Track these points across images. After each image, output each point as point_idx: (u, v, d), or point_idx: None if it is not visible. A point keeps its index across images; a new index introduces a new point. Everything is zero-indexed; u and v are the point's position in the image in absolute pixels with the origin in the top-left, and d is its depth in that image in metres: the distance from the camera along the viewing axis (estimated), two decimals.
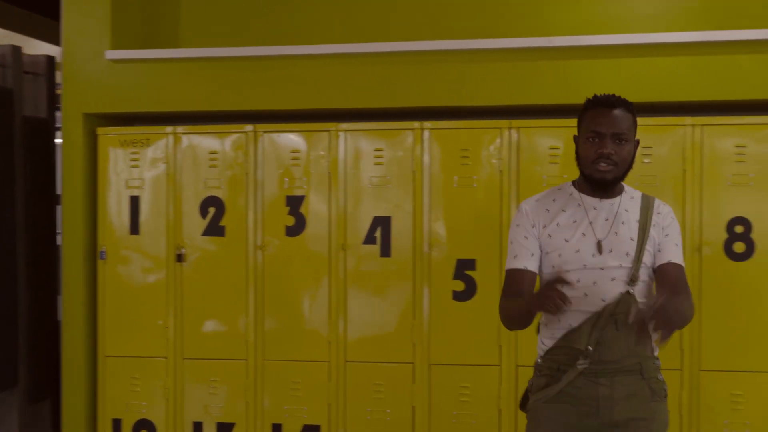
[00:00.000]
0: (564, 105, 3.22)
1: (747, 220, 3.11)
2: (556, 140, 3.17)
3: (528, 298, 2.14)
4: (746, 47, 3.11)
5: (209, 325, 3.39)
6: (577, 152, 2.22)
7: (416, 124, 3.25)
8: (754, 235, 3.10)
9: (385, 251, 3.28)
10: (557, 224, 2.23)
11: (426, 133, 3.25)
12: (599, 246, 2.21)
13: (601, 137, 2.18)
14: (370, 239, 3.29)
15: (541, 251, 2.22)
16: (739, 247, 3.11)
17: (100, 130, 3.48)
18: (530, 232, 2.23)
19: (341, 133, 3.29)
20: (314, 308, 3.32)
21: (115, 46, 3.45)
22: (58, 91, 3.73)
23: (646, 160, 3.14)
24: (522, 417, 3.06)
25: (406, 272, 3.27)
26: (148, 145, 3.45)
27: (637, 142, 2.21)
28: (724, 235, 3.12)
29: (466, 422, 3.24)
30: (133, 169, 3.45)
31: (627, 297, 2.14)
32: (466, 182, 3.23)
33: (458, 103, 3.28)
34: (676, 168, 3.13)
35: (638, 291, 2.18)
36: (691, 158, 3.12)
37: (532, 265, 2.20)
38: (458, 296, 3.25)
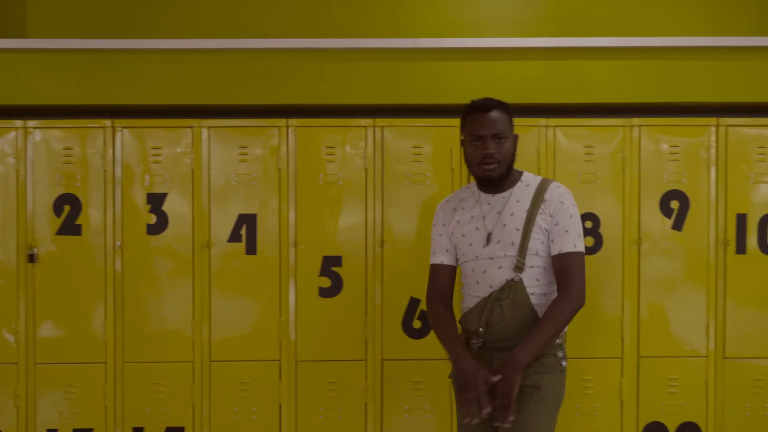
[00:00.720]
0: (428, 105, 3.37)
1: (596, 216, 3.35)
2: (419, 139, 3.31)
3: (452, 347, 2.41)
4: (596, 53, 3.36)
5: (64, 328, 3.30)
6: (465, 155, 2.51)
7: (281, 121, 3.30)
8: (602, 230, 3.35)
9: (251, 249, 3.31)
10: (458, 221, 2.55)
11: (291, 131, 3.30)
12: (488, 238, 2.48)
13: (482, 139, 2.46)
14: (235, 237, 3.31)
15: (453, 245, 2.56)
16: (588, 241, 3.35)
17: None
18: (442, 230, 2.59)
19: (204, 130, 3.29)
20: (177, 308, 3.30)
21: None
22: None
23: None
24: (386, 411, 3.20)
25: (272, 270, 3.31)
26: None
27: (516, 136, 2.51)
28: None
29: (332, 417, 3.33)
30: None
31: (512, 283, 2.44)
32: (332, 179, 3.31)
33: (324, 101, 3.35)
34: (531, 167, 3.34)
35: (529, 276, 2.45)
36: (545, 157, 3.34)
37: (447, 260, 2.57)
38: (325, 293, 3.33)
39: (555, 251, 2.48)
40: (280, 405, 3.34)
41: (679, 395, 3.38)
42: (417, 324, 3.33)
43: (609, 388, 3.37)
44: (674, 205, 3.36)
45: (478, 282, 2.51)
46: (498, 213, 2.52)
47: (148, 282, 3.30)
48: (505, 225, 2.49)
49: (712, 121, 3.36)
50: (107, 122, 3.33)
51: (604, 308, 3.36)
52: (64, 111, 3.43)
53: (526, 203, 2.50)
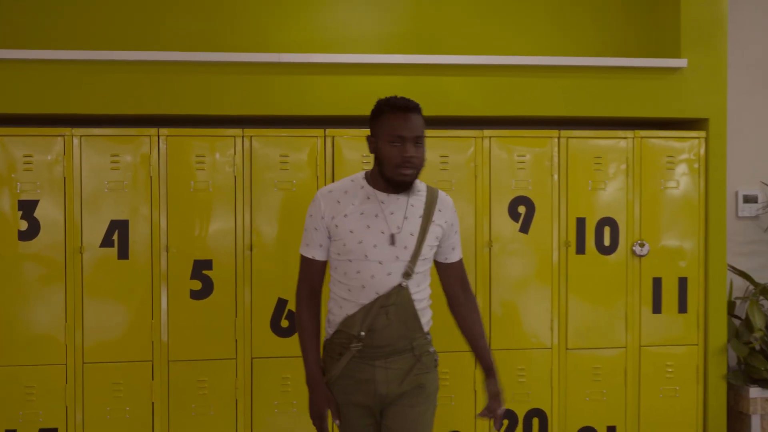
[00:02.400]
0: (294, 116, 3.73)
1: None
2: (286, 148, 3.66)
3: (310, 367, 2.52)
4: (450, 70, 3.79)
5: None
6: (378, 154, 2.47)
7: (152, 130, 3.60)
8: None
9: (123, 254, 3.59)
10: (345, 215, 2.49)
11: (162, 140, 3.60)
12: (391, 239, 2.48)
13: (403, 141, 2.44)
14: (107, 242, 3.58)
15: (330, 239, 2.53)
16: None
17: None
18: (320, 224, 2.52)
19: (76, 138, 3.55)
20: (50, 312, 3.54)
21: None
22: None
23: (365, 165, 3.72)
24: (256, 406, 3.53)
25: (144, 273, 3.60)
26: None
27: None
28: None
29: (204, 414, 3.64)
30: None
31: (399, 289, 2.48)
32: (203, 186, 3.63)
33: (194, 111, 3.66)
34: None
35: (413, 282, 2.51)
36: None
37: (319, 255, 2.55)
38: (195, 295, 3.64)
39: (455, 258, 2.63)
40: (152, 404, 3.62)
41: (527, 384, 3.86)
42: (285, 323, 3.68)
43: (464, 378, 3.81)
44: (521, 209, 3.84)
45: (364, 287, 2.49)
46: (392, 214, 2.51)
47: (20, 287, 3.53)
48: (399, 228, 2.50)
49: (555, 133, 3.86)
50: None
51: (435, 305, 3.77)
52: None
53: (420, 209, 2.53)
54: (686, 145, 3.94)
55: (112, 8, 3.90)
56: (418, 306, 2.54)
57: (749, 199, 4.47)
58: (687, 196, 3.95)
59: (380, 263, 2.49)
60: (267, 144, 3.67)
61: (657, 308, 3.94)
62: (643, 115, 3.91)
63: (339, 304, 2.54)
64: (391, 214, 2.51)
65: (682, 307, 3.95)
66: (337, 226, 2.51)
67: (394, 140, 2.45)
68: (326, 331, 2.61)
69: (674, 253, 3.94)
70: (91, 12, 3.89)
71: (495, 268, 3.82)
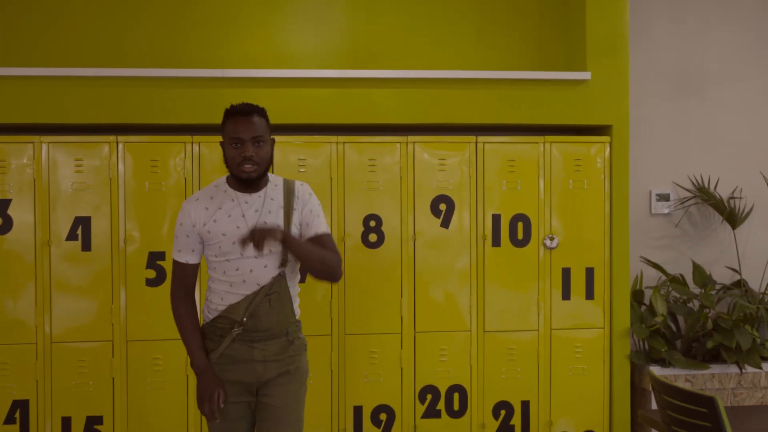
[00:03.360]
0: None
1: (379, 216, 4.37)
2: None
3: (195, 356, 2.81)
4: (379, 83, 4.37)
5: None
6: (224, 156, 2.81)
7: (112, 137, 4.19)
8: (384, 228, 4.37)
9: (86, 246, 4.18)
10: (215, 220, 2.80)
11: (120, 146, 4.19)
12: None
13: (242, 142, 2.76)
14: (72, 236, 4.17)
15: (203, 244, 2.84)
16: (372, 237, 4.36)
17: None
18: (191, 231, 2.83)
19: (44, 145, 4.14)
20: (22, 298, 4.12)
21: None
22: None
23: (302, 170, 4.31)
24: None
25: (106, 263, 4.18)
26: None
27: (273, 140, 2.85)
28: (362, 228, 4.35)
29: (159, 388, 4.21)
30: None
31: (279, 278, 2.81)
32: (156, 187, 4.21)
33: (150, 120, 4.24)
34: (325, 176, 4.32)
35: (288, 270, 2.85)
36: (336, 168, 4.33)
37: (193, 259, 2.87)
38: (151, 282, 4.22)
39: (313, 232, 2.88)
40: (113, 378, 4.21)
41: (448, 363, 4.43)
42: None
43: (391, 358, 4.39)
44: (442, 207, 4.42)
45: (245, 281, 2.81)
46: (256, 211, 2.82)
47: None
48: (266, 222, 2.80)
49: (472, 138, 4.43)
50: None
51: (387, 293, 4.37)
52: None
53: (280, 200, 2.84)
54: (593, 149, 4.51)
55: (77, 28, 4.50)
56: (292, 292, 2.88)
57: (662, 198, 5.03)
58: (593, 194, 4.51)
59: (256, 257, 2.81)
60: (213, 149, 4.25)
61: (566, 295, 4.51)
62: (552, 122, 4.47)
63: (220, 296, 2.84)
64: (255, 211, 2.83)
65: (589, 295, 4.52)
66: (209, 231, 2.82)
67: (234, 142, 2.78)
68: (205, 316, 2.91)
69: (582, 246, 4.51)
70: (57, 32, 4.49)
71: (419, 259, 4.40)
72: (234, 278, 2.82)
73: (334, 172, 4.34)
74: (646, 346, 4.68)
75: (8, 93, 4.13)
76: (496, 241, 4.46)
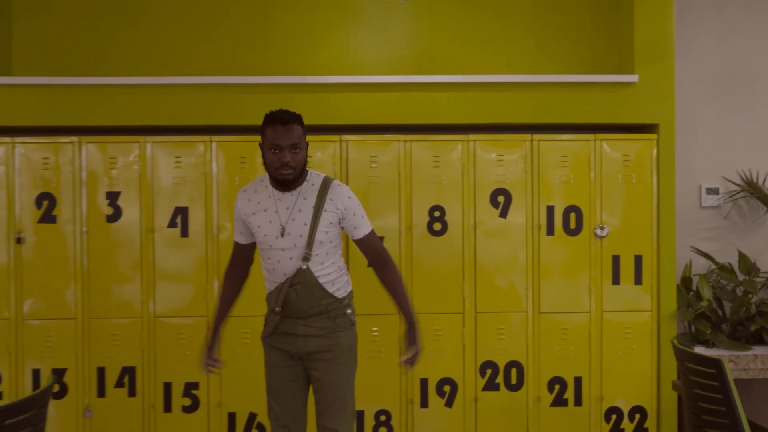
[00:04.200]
0: (317, 125, 4.92)
1: (442, 207, 4.93)
2: (311, 151, 4.85)
3: (215, 322, 3.55)
4: (441, 87, 4.93)
5: (44, 293, 4.82)
6: (263, 157, 3.22)
7: (206, 137, 4.86)
8: (447, 218, 4.93)
9: (184, 233, 4.85)
10: (254, 213, 3.29)
11: (214, 145, 4.85)
12: (281, 231, 3.23)
13: (280, 149, 3.15)
14: (172, 224, 4.85)
15: (248, 229, 3.39)
16: (437, 226, 4.93)
17: None
18: (239, 217, 3.40)
19: (148, 144, 4.84)
20: (130, 275, 4.82)
21: None
22: None
23: (373, 165, 4.90)
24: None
25: (201, 249, 4.85)
26: None
27: (307, 144, 3.26)
28: (427, 218, 4.92)
29: (247, 358, 4.85)
30: None
31: (301, 271, 3.25)
32: (245, 181, 4.85)
33: (239, 122, 4.89)
34: (393, 171, 4.91)
35: (314, 263, 3.26)
36: (403, 164, 4.91)
37: (242, 240, 3.47)
38: None
39: (360, 235, 3.32)
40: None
41: (507, 341, 4.96)
42: None
43: (454, 335, 4.94)
44: (500, 199, 4.95)
45: (274, 269, 3.28)
46: (288, 208, 3.21)
47: (107, 256, 4.83)
48: (294, 220, 3.20)
49: (527, 137, 4.95)
50: (75, 138, 4.85)
51: (450, 277, 4.92)
52: (41, 130, 4.95)
53: (312, 200, 3.21)
54: (641, 146, 4.98)
55: (175, 41, 5.19)
56: (324, 280, 3.29)
57: (711, 191, 5.46)
58: (641, 188, 4.98)
59: (282, 250, 3.25)
60: None
61: (616, 280, 4.99)
62: (602, 121, 4.96)
63: (267, 281, 3.44)
64: (287, 208, 3.23)
65: (638, 280, 4.99)
66: (250, 222, 3.33)
67: (273, 148, 3.18)
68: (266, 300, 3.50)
69: (630, 235, 4.98)
70: (157, 44, 5.18)
71: (479, 246, 4.94)
72: (269, 265, 3.36)
73: (402, 168, 4.91)
74: (693, 329, 5.12)
75: (118, 99, 4.83)
76: (550, 230, 4.96)
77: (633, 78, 4.90)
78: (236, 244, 3.53)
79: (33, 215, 4.82)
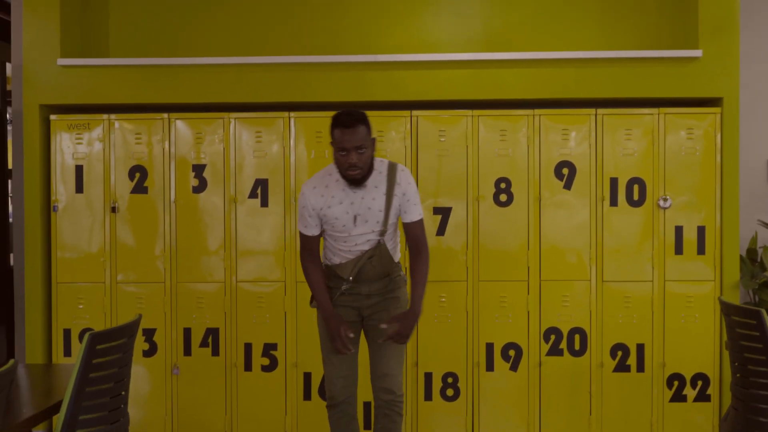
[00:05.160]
0: (388, 101, 5.29)
1: (508, 179, 5.25)
2: (382, 126, 5.22)
3: (322, 303, 3.73)
4: (509, 64, 5.24)
5: (135, 258, 5.32)
6: (334, 155, 3.61)
7: (285, 113, 5.28)
8: (513, 189, 5.25)
9: (264, 203, 5.29)
10: (329, 206, 3.67)
11: (292, 120, 5.28)
12: (355, 220, 3.66)
13: (347, 151, 3.52)
14: (253, 195, 5.29)
15: (321, 220, 3.75)
16: (503, 197, 5.25)
17: (53, 117, 5.36)
18: (312, 213, 3.73)
19: (232, 120, 5.29)
20: (214, 242, 5.29)
21: (64, 55, 5.33)
22: (9, 88, 5.60)
23: (442, 139, 5.25)
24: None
25: (279, 216, 5.28)
26: (89, 128, 5.35)
27: (374, 140, 3.61)
28: (493, 189, 5.25)
29: None
30: (78, 145, 5.34)
31: (379, 245, 3.70)
32: (320, 154, 5.27)
33: (314, 99, 5.30)
34: (461, 145, 5.25)
35: (387, 236, 3.73)
36: (471, 138, 5.25)
37: (316, 232, 3.80)
38: None
39: (408, 220, 3.71)
40: (285, 313, 5.30)
41: (570, 308, 5.26)
42: None
43: (518, 302, 5.26)
44: (565, 171, 5.24)
45: (350, 250, 3.72)
46: (363, 199, 3.61)
47: (193, 225, 5.30)
48: (369, 208, 3.63)
49: (592, 111, 5.23)
50: (165, 115, 5.33)
51: (515, 246, 5.24)
52: (135, 107, 5.45)
53: (383, 187, 3.61)
54: (704, 120, 5.20)
55: (256, 20, 5.63)
56: (391, 248, 3.76)
57: None
58: (705, 160, 5.20)
59: (361, 235, 3.70)
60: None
61: (679, 251, 5.23)
62: (665, 96, 5.20)
63: (333, 253, 3.82)
64: (361, 199, 3.65)
65: (701, 250, 5.22)
66: (325, 215, 3.69)
67: (341, 150, 3.55)
68: (323, 262, 3.90)
69: (693, 207, 5.21)
70: (238, 25, 5.62)
71: (544, 217, 5.24)
72: (345, 246, 3.77)
73: (470, 141, 5.24)
74: (757, 299, 5.31)
75: (204, 78, 5.29)
76: (613, 202, 5.23)
77: (697, 53, 5.12)
78: (308, 238, 3.81)
79: (126, 186, 5.32)
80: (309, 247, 3.82)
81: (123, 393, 3.03)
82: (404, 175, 3.72)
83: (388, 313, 3.80)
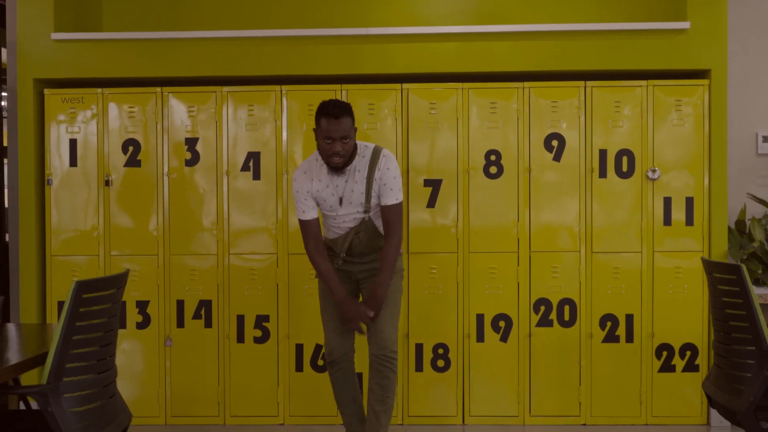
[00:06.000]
0: (379, 74, 5.34)
1: (498, 151, 5.31)
2: (373, 99, 5.29)
3: (337, 290, 4.00)
4: (497, 37, 5.30)
5: (129, 231, 5.38)
6: (317, 142, 3.86)
7: (277, 87, 5.34)
8: (503, 161, 5.30)
9: (256, 176, 5.35)
10: (317, 190, 3.99)
11: (284, 94, 5.33)
12: (341, 201, 3.98)
13: (333, 140, 3.78)
14: (245, 167, 5.35)
15: (316, 201, 4.03)
16: (493, 169, 5.31)
17: (47, 91, 5.42)
18: (306, 195, 4.01)
19: (224, 94, 5.35)
20: (207, 216, 5.35)
21: (57, 30, 5.39)
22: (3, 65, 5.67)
23: (432, 112, 5.30)
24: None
25: (271, 190, 5.34)
26: (83, 102, 5.41)
27: (355, 130, 3.86)
28: (483, 162, 5.30)
29: (313, 293, 5.32)
30: (71, 119, 5.41)
31: (364, 221, 3.99)
32: (312, 127, 5.32)
33: (306, 72, 5.36)
34: (452, 117, 5.31)
35: (374, 214, 4.03)
36: (462, 111, 5.30)
37: (315, 214, 4.06)
38: None
39: (383, 203, 3.93)
40: (277, 285, 5.36)
41: (560, 279, 5.31)
42: None
43: (509, 274, 5.32)
44: (554, 143, 5.30)
45: (339, 226, 4.06)
46: (346, 182, 3.92)
47: (186, 197, 5.36)
48: (352, 191, 3.92)
49: (581, 83, 5.29)
50: (158, 89, 5.40)
51: (505, 217, 5.30)
52: (128, 82, 5.52)
53: (365, 172, 3.89)
54: (693, 91, 5.26)
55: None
56: (379, 225, 4.06)
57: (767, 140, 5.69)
58: (694, 132, 5.26)
59: (347, 213, 4.01)
60: (359, 96, 5.32)
61: (668, 221, 5.28)
62: (654, 68, 5.26)
63: (327, 229, 4.17)
64: (345, 182, 3.95)
65: (689, 221, 5.28)
66: (314, 197, 4.02)
67: (327, 138, 3.80)
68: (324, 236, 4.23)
69: (682, 178, 5.27)
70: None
71: (533, 188, 5.30)
72: (335, 223, 4.09)
73: (460, 114, 5.30)
74: None
75: (197, 52, 5.36)
76: (602, 173, 5.28)
77: (685, 24, 5.18)
78: (309, 223, 4.04)
79: (120, 160, 5.38)
80: (312, 233, 4.02)
81: (111, 343, 3.08)
82: (385, 161, 3.94)
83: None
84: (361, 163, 3.93)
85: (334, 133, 3.76)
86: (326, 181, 3.97)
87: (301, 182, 4.00)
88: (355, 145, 3.94)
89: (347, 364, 4.14)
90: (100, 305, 2.98)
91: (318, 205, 4.06)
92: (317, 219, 4.09)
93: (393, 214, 3.95)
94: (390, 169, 3.93)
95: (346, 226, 4.04)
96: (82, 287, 2.88)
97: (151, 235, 5.38)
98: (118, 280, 3.12)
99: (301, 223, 4.05)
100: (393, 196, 3.96)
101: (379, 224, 4.08)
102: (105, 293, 3.02)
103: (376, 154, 3.94)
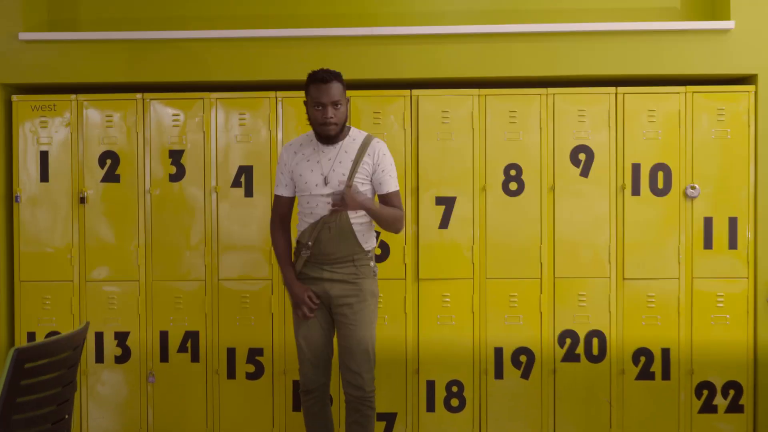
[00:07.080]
0: (387, 80, 4.78)
1: (519, 165, 4.74)
2: (378, 106, 4.73)
3: (286, 273, 3.80)
4: (518, 38, 4.74)
5: (107, 254, 4.81)
6: (308, 114, 3.70)
7: (272, 93, 4.78)
8: (524, 177, 4.74)
9: (249, 192, 4.79)
10: (297, 163, 3.77)
11: (280, 101, 4.77)
12: (323, 180, 3.70)
13: (323, 106, 3.62)
14: (236, 183, 4.79)
15: (292, 180, 3.80)
16: (513, 186, 4.74)
17: (15, 97, 4.86)
18: (284, 170, 3.83)
19: (213, 101, 4.78)
20: (194, 238, 4.79)
21: (27, 29, 4.82)
22: None
23: (445, 121, 4.74)
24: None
25: (266, 208, 4.78)
26: (55, 110, 4.85)
27: (348, 100, 3.70)
28: (502, 177, 4.74)
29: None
30: (42, 129, 4.85)
31: (339, 215, 3.69)
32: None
33: (304, 76, 4.76)
34: (467, 127, 4.74)
35: (354, 215, 3.72)
36: (478, 119, 4.74)
37: (286, 193, 3.86)
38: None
39: (383, 191, 3.74)
40: (272, 314, 4.80)
41: (587, 308, 4.76)
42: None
43: (531, 302, 4.77)
44: (581, 157, 4.74)
45: (312, 213, 3.74)
46: (330, 160, 3.69)
47: (170, 216, 4.80)
48: (334, 170, 3.68)
49: (611, 90, 4.74)
50: (139, 96, 4.84)
51: (526, 239, 4.74)
52: (105, 87, 4.95)
53: (353, 154, 3.69)
54: (737, 99, 4.71)
55: None
56: (356, 228, 3.72)
57: None
58: (737, 144, 4.72)
59: (322, 196, 3.71)
60: (363, 103, 4.76)
61: (708, 245, 4.74)
62: (693, 73, 4.72)
63: (300, 224, 3.84)
64: (329, 160, 3.71)
65: (732, 244, 4.72)
66: (293, 171, 3.79)
67: (317, 105, 3.64)
68: (296, 240, 3.91)
69: (725, 196, 4.72)
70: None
71: (558, 207, 4.75)
72: (307, 209, 3.76)
73: (476, 124, 4.75)
74: None
75: (181, 55, 4.82)
76: (635, 191, 4.73)
77: (729, 24, 4.64)
78: (279, 199, 3.89)
79: (97, 174, 4.82)
80: (280, 211, 3.90)
81: (64, 419, 2.51)
82: (379, 146, 3.78)
83: (351, 309, 3.77)
84: (351, 146, 3.75)
85: (325, 98, 3.63)
86: (308, 155, 3.77)
87: (283, 154, 3.87)
88: (348, 127, 3.82)
89: (322, 394, 3.93)
90: (49, 374, 2.41)
91: (296, 183, 3.83)
92: (288, 198, 3.89)
93: (398, 200, 3.83)
94: (386, 155, 3.79)
95: (317, 214, 3.74)
96: (23, 355, 2.31)
97: (132, 258, 4.82)
98: (74, 340, 2.56)
99: (274, 199, 3.94)
100: (392, 183, 3.80)
101: (355, 225, 3.74)
102: (56, 358, 2.45)
103: (367, 139, 3.78)
